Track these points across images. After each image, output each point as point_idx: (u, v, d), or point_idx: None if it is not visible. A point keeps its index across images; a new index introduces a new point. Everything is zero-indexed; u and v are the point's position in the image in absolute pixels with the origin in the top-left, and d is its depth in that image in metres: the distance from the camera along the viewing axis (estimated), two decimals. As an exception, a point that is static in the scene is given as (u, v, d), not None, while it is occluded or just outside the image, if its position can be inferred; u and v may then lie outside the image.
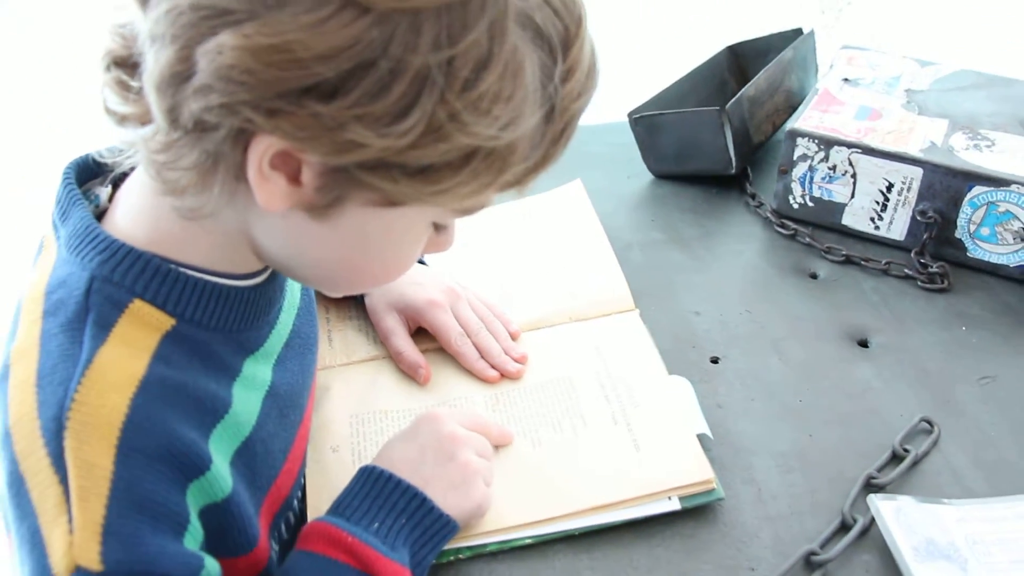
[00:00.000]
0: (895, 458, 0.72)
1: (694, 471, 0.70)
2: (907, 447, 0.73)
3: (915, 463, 0.72)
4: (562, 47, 0.51)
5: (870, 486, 0.70)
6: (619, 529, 0.68)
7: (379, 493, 0.65)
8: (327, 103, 0.45)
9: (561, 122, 0.53)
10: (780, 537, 0.67)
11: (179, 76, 0.46)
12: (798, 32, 1.13)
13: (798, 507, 0.70)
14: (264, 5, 0.43)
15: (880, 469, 0.71)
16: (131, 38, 0.50)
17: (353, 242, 0.57)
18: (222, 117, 0.46)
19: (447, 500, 0.65)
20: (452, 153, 0.49)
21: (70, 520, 0.49)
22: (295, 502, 0.72)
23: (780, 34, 1.15)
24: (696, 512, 0.69)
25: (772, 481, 0.72)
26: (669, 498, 0.69)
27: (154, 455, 0.52)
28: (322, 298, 0.91)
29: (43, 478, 0.51)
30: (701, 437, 0.73)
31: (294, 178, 0.50)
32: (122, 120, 0.52)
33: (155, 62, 0.46)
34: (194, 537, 0.55)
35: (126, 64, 0.51)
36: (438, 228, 0.61)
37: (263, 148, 0.48)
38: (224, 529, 0.59)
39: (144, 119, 0.51)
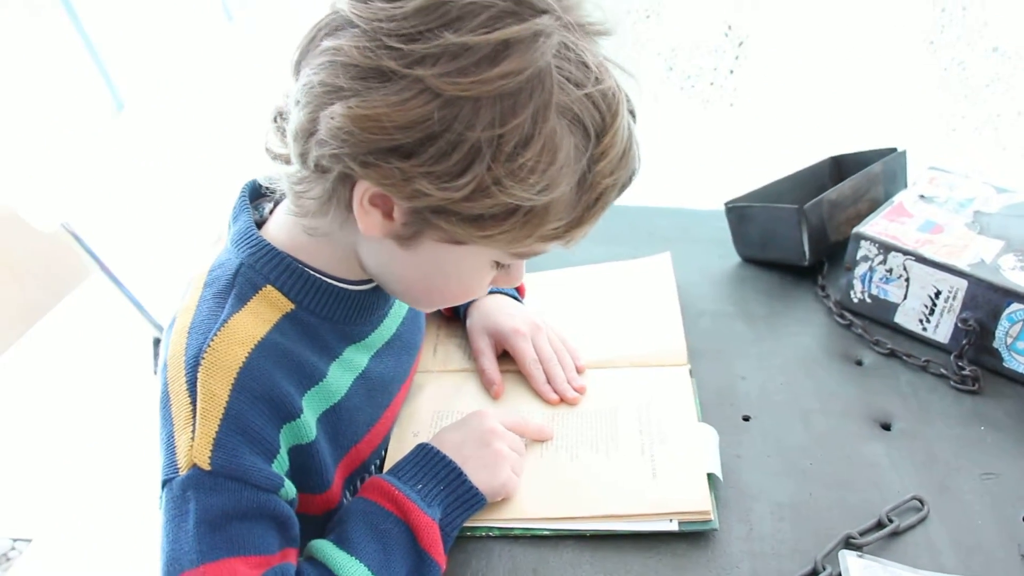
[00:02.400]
0: (879, 525, 0.75)
1: (695, 502, 0.76)
2: (892, 518, 0.76)
3: (896, 533, 0.74)
4: (596, 133, 0.60)
5: (848, 544, 0.74)
6: (622, 538, 0.75)
7: (426, 463, 0.75)
8: (404, 161, 0.57)
9: (594, 193, 0.63)
10: (756, 571, 0.72)
11: (308, 131, 0.60)
12: (893, 150, 1.17)
13: (780, 550, 0.74)
14: (365, 87, 0.56)
15: (862, 533, 0.74)
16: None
17: (428, 268, 0.68)
18: (333, 164, 0.60)
19: (478, 476, 0.75)
20: (497, 208, 0.59)
21: (193, 431, 0.63)
22: (372, 467, 0.84)
23: (878, 150, 1.19)
24: (691, 536, 0.75)
25: (764, 525, 0.77)
26: (670, 520, 0.75)
27: (259, 396, 0.65)
28: (435, 318, 1.05)
29: (181, 399, 0.64)
30: (712, 476, 0.79)
31: (388, 214, 0.63)
32: (275, 157, 0.67)
33: (294, 119, 0.60)
34: (280, 466, 0.67)
35: (285, 118, 0.66)
36: (501, 267, 0.72)
37: (363, 189, 0.61)
38: (306, 468, 0.72)
39: (288, 159, 0.64)
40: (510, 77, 0.55)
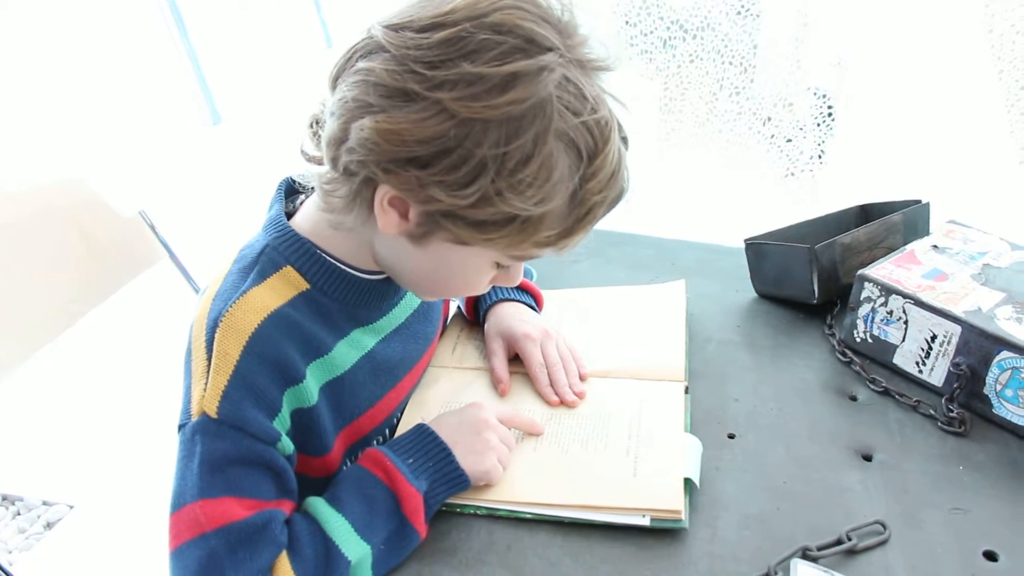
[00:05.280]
0: (838, 542, 0.78)
1: (669, 501, 0.81)
2: (852, 536, 0.79)
3: (853, 551, 0.78)
4: (589, 156, 0.68)
5: (804, 555, 0.77)
6: (595, 528, 0.81)
7: (420, 441, 0.82)
8: (420, 171, 0.66)
9: (584, 208, 0.70)
10: (714, 571, 0.77)
11: (339, 139, 0.69)
12: (916, 202, 1.20)
13: (739, 555, 0.78)
14: (392, 105, 0.65)
15: (820, 548, 0.78)
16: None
17: (436, 263, 0.76)
18: (359, 169, 0.68)
19: (466, 460, 0.82)
20: (498, 215, 0.68)
21: (206, 384, 0.72)
22: (375, 442, 0.92)
23: (905, 201, 1.23)
24: (660, 532, 0.80)
25: (729, 531, 0.81)
26: (643, 516, 0.81)
27: (266, 359, 0.74)
28: (459, 320, 1.12)
29: (200, 354, 0.74)
30: (689, 481, 0.84)
31: (404, 215, 0.71)
32: (309, 159, 0.77)
33: (328, 128, 0.70)
34: (281, 424, 0.76)
35: (320, 125, 0.75)
36: (502, 267, 0.79)
37: (383, 192, 0.69)
38: (307, 430, 0.80)
39: (320, 161, 0.74)
40: (516, 104, 0.64)
